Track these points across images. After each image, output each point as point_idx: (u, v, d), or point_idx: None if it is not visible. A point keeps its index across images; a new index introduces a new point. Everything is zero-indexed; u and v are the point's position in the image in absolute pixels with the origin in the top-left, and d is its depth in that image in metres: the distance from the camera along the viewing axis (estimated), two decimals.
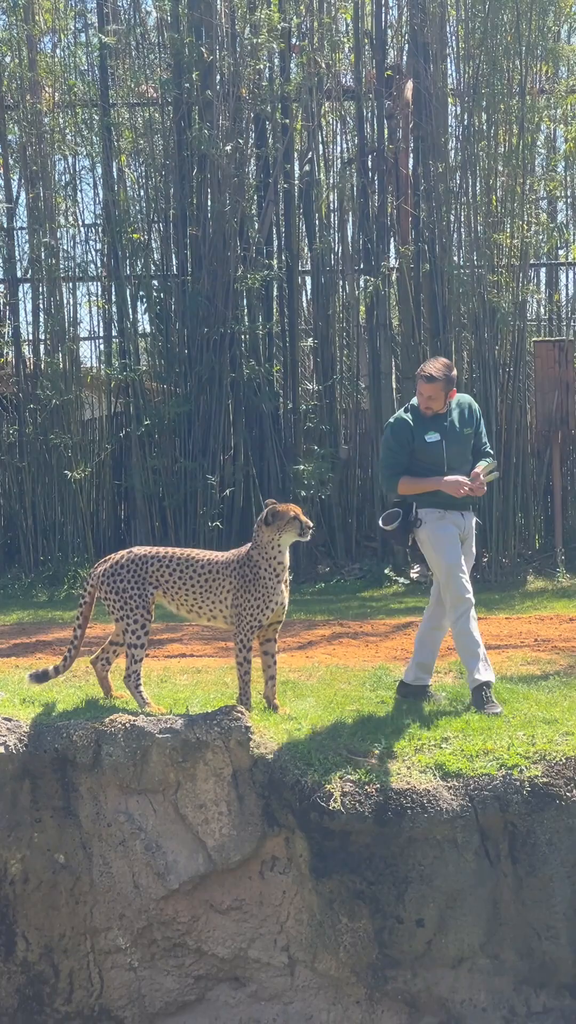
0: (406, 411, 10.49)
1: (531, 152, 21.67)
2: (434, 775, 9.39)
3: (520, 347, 20.90)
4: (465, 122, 21.40)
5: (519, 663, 12.15)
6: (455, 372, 10.60)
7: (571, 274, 24.06)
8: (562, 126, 23.00)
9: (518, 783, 9.31)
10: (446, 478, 10.24)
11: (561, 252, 23.64)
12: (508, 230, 20.97)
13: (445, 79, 21.29)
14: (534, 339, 21.57)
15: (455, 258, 21.26)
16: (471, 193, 21.25)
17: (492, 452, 10.80)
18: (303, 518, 9.97)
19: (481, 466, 10.46)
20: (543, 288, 23.60)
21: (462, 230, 21.51)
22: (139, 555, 10.12)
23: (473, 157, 21.14)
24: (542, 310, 23.70)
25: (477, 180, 21.24)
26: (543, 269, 23.68)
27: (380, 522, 10.52)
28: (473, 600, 10.39)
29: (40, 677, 10.35)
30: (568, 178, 23.58)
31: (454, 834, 9.22)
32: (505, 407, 20.63)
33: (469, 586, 10.36)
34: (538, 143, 22.58)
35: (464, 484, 10.25)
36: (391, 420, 10.59)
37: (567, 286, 24.18)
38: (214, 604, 10.00)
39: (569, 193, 23.80)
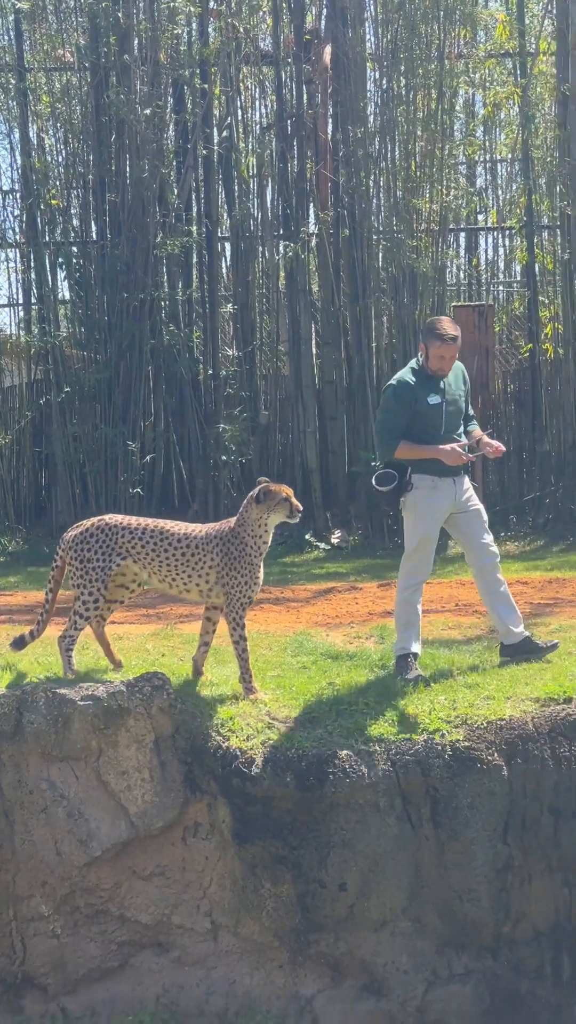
0: (409, 373, 10.39)
1: (450, 117, 21.70)
2: (356, 740, 9.42)
3: (440, 312, 20.90)
4: (384, 87, 21.38)
5: (440, 628, 12.19)
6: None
7: (490, 239, 24.17)
8: (480, 91, 23.03)
9: (440, 747, 9.35)
10: (444, 447, 10.18)
11: (480, 217, 23.73)
12: (427, 195, 20.99)
13: (364, 44, 21.24)
14: (453, 304, 21.62)
15: (374, 223, 21.24)
16: (390, 158, 21.23)
17: (474, 415, 10.80)
18: (294, 500, 9.86)
19: (477, 432, 10.52)
20: (462, 253, 23.65)
21: (381, 195, 21.49)
22: (109, 524, 9.98)
23: (392, 122, 21.12)
24: (462, 275, 23.76)
25: (396, 145, 21.23)
26: (462, 234, 23.76)
27: (374, 482, 10.33)
28: (426, 578, 10.44)
29: (19, 643, 10.21)
30: (487, 143, 23.63)
31: (376, 799, 9.26)
32: None
33: (428, 566, 10.40)
34: (457, 108, 22.61)
35: (462, 455, 10.25)
36: (393, 382, 10.41)
37: (486, 251, 24.29)
38: (190, 577, 9.85)
39: (488, 158, 23.88)
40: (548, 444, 21.11)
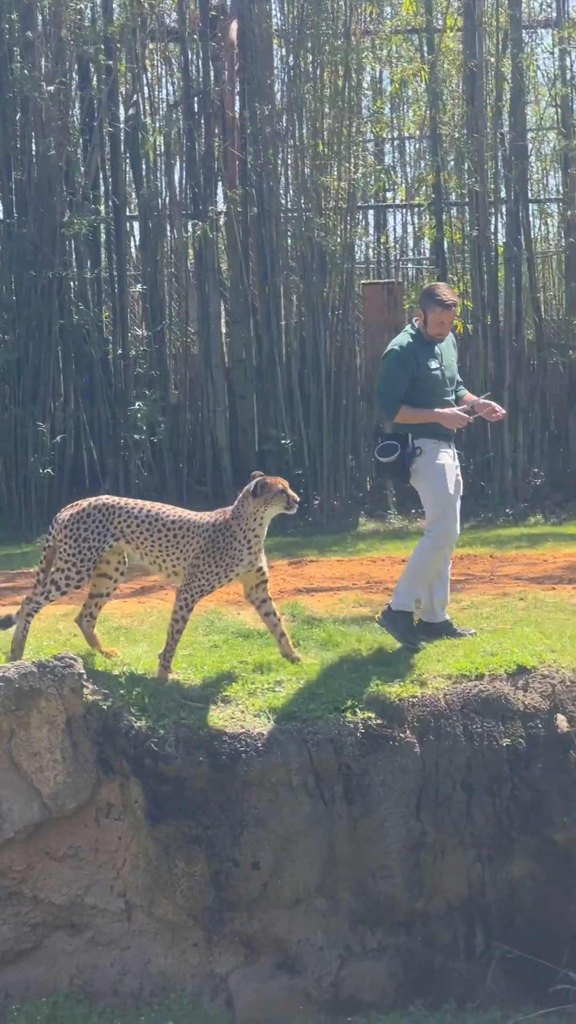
0: (408, 339, 10.40)
1: (357, 94, 21.68)
2: (268, 718, 9.43)
3: (349, 290, 20.92)
4: (291, 64, 21.33)
5: (351, 605, 12.21)
6: None
7: (399, 216, 24.18)
8: (388, 67, 23.02)
9: (351, 725, 9.38)
10: (444, 410, 10.24)
11: (389, 194, 23.71)
12: (335, 173, 20.96)
13: (270, 20, 21.19)
14: (363, 282, 21.63)
15: (283, 201, 21.21)
16: (298, 136, 21.20)
17: (462, 381, 10.85)
18: (290, 492, 9.84)
19: (471, 397, 10.60)
20: (371, 230, 23.67)
21: (289, 173, 21.46)
22: (106, 504, 9.93)
23: (299, 99, 21.08)
24: (371, 252, 23.78)
25: (304, 123, 21.19)
26: (371, 211, 23.75)
27: (376, 454, 10.38)
28: (455, 539, 10.50)
29: (4, 623, 10.09)
30: (395, 120, 23.63)
31: (289, 777, 9.27)
32: (334, 350, 20.67)
33: (457, 527, 10.44)
34: (364, 85, 22.59)
35: (464, 417, 10.28)
36: (395, 348, 10.40)
37: (395, 228, 24.31)
38: (177, 561, 9.84)
39: (396, 135, 23.87)
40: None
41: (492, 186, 21.20)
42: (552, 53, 22.46)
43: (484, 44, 20.98)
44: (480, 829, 9.34)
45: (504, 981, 9.26)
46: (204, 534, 9.75)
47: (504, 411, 10.73)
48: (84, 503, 9.97)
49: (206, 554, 9.71)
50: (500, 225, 21.51)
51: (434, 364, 10.30)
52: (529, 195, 21.94)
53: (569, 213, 20.91)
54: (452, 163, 21.66)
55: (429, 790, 9.36)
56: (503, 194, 21.27)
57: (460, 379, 10.74)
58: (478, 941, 9.35)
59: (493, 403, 10.57)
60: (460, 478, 10.55)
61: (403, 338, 10.43)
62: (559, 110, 21.69)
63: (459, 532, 10.56)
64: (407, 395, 10.26)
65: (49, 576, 9.89)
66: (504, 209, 21.21)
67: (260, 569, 9.95)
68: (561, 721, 9.04)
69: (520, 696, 9.56)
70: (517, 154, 20.86)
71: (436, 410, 10.22)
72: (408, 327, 10.53)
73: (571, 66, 21.81)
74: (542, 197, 23.67)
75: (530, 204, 22.11)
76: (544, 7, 22.72)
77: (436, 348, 10.35)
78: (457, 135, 21.22)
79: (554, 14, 22.04)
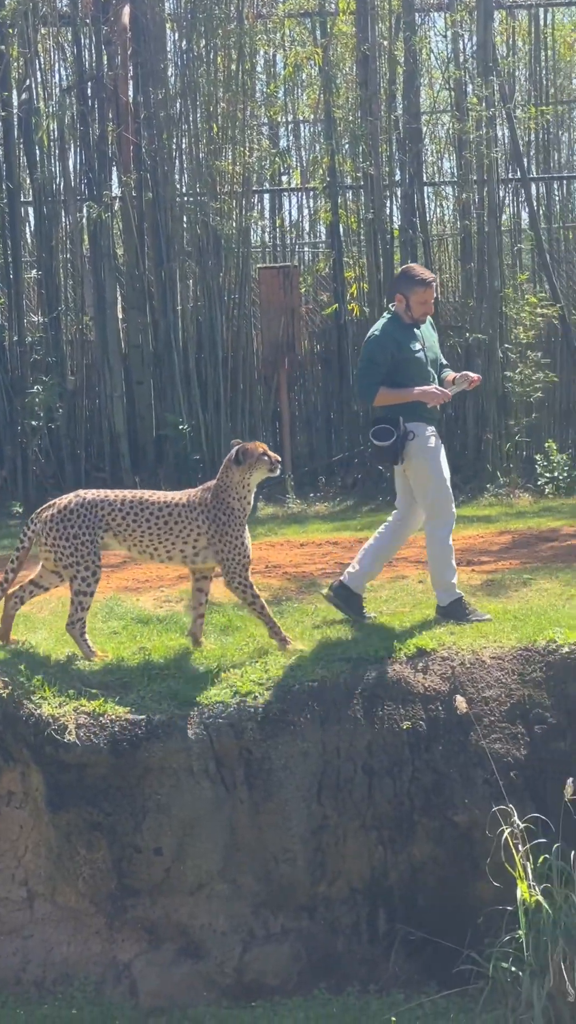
0: (389, 323, 10.43)
1: (251, 78, 21.63)
2: (169, 704, 9.42)
3: (245, 274, 20.89)
4: (184, 48, 21.25)
5: None
6: None
7: (294, 200, 24.16)
8: (281, 51, 22.99)
9: (252, 710, 9.39)
10: (425, 388, 10.24)
11: (284, 178, 23.68)
12: (230, 157, 20.92)
13: (162, 4, 21.08)
14: (259, 266, 21.61)
15: (178, 186, 21.13)
16: (192, 120, 21.12)
17: (447, 363, 10.88)
18: (271, 453, 9.90)
19: (451, 375, 10.60)
20: (267, 214, 23.64)
21: (184, 157, 21.38)
22: (89, 499, 9.88)
23: (193, 83, 20.99)
24: (266, 236, 23.74)
25: (198, 107, 21.11)
26: (266, 195, 23.71)
27: (372, 438, 10.40)
28: (454, 515, 10.54)
29: None
30: (289, 104, 23.61)
31: (190, 763, 9.27)
32: (231, 334, 20.63)
33: (453, 503, 10.48)
34: (258, 69, 22.54)
35: (444, 393, 10.29)
36: (376, 332, 10.44)
37: (290, 212, 24.30)
38: (173, 545, 9.84)
39: (290, 119, 23.84)
40: (356, 404, 21.21)
41: (387, 169, 21.23)
42: (445, 36, 22.51)
43: (377, 27, 20.99)
44: (381, 812, 9.38)
45: (407, 963, 9.31)
46: (201, 516, 9.81)
47: (479, 376, 10.81)
48: (64, 500, 9.94)
49: (220, 535, 9.79)
50: (395, 208, 21.56)
51: (416, 346, 10.35)
52: (424, 178, 22.01)
53: (464, 195, 20.98)
54: (347, 146, 21.68)
55: (330, 774, 9.38)
56: (398, 177, 21.30)
57: (445, 361, 10.79)
58: (380, 924, 9.39)
59: (467, 372, 10.69)
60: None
61: (382, 323, 10.49)
62: (452, 93, 21.75)
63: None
64: (392, 378, 10.30)
65: (72, 589, 9.85)
66: (399, 192, 21.25)
67: None
68: (460, 703, 9.09)
69: (420, 679, 9.60)
70: (411, 137, 20.90)
71: (414, 389, 10.26)
72: (385, 313, 10.57)
73: (464, 49, 21.88)
74: (437, 180, 23.78)
75: (425, 187, 22.16)
76: None
77: (417, 331, 10.40)
78: (351, 118, 21.23)
79: None
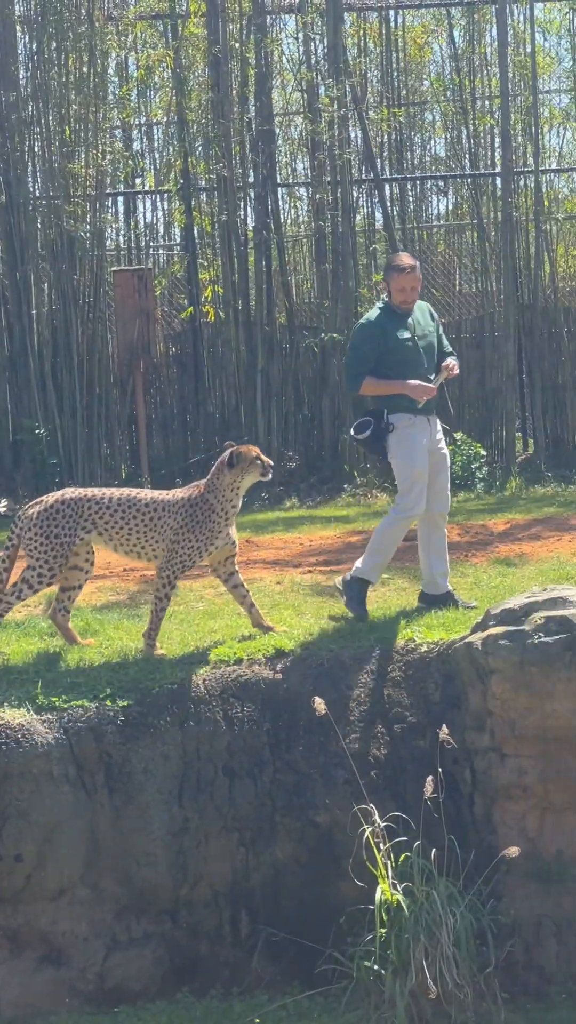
0: (376, 312, 10.44)
1: (103, 80, 21.54)
2: (27, 709, 9.35)
3: (99, 277, 20.79)
4: (34, 50, 21.10)
5: (108, 593, 12.17)
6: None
7: (149, 202, 24.09)
8: (133, 53, 22.93)
9: (112, 713, 9.36)
10: (411, 381, 10.18)
11: (138, 180, 23.62)
12: (83, 159, 20.81)
13: (12, 6, 20.91)
14: (113, 269, 21.52)
15: (31, 189, 20.99)
16: (44, 123, 20.98)
17: (452, 350, 10.83)
18: (264, 458, 9.88)
19: (450, 362, 10.53)
20: (121, 217, 23.55)
21: (37, 160, 21.24)
22: (74, 498, 9.85)
23: (45, 86, 20.86)
24: (121, 239, 23.66)
25: (50, 109, 20.98)
26: (120, 198, 23.62)
27: (352, 431, 10.41)
28: (421, 514, 10.43)
29: None
30: (141, 106, 23.54)
31: (50, 767, 9.21)
32: (86, 338, 20.53)
33: (424, 502, 10.36)
34: (110, 71, 22.47)
35: (429, 388, 10.22)
36: (362, 321, 10.54)
37: (145, 214, 24.21)
38: (158, 544, 9.83)
39: (143, 121, 23.78)
40: (212, 406, 21.22)
41: (240, 171, 21.24)
42: (296, 38, 22.60)
43: (228, 30, 21.00)
44: (243, 813, 9.37)
45: (270, 965, 9.32)
46: (181, 510, 9.76)
47: (454, 363, 10.61)
48: (51, 498, 9.91)
49: (185, 529, 9.73)
50: (249, 210, 21.58)
51: (404, 334, 10.33)
52: (278, 179, 22.05)
53: (318, 197, 21.05)
54: (200, 149, 21.67)
55: (191, 776, 9.37)
56: (251, 179, 21.32)
57: (451, 349, 10.77)
58: (243, 926, 9.39)
59: (448, 361, 10.55)
60: (445, 450, 10.64)
61: (371, 311, 10.59)
62: (305, 95, 21.81)
63: (449, 505, 10.70)
64: (380, 367, 10.31)
65: (20, 575, 9.80)
66: (253, 194, 21.27)
67: (233, 542, 10.04)
68: (319, 704, 9.10)
69: (279, 680, 9.62)
70: (264, 139, 20.93)
71: (400, 382, 10.24)
72: (378, 302, 10.60)
73: (315, 51, 21.94)
74: (291, 181, 23.82)
75: (279, 188, 22.21)
76: None
77: (409, 319, 10.39)
78: (204, 120, 21.23)
79: None
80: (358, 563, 10.55)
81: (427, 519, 10.61)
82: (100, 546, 10.11)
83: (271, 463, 10.10)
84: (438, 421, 10.69)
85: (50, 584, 9.95)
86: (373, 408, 10.51)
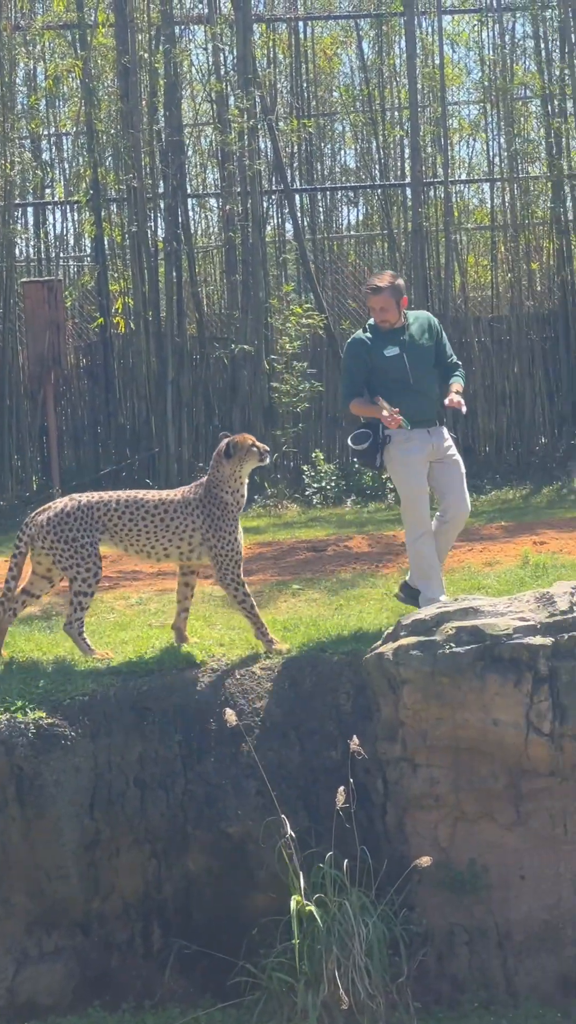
0: (364, 330, 10.44)
1: (11, 90, 21.45)
2: None
3: (9, 288, 20.70)
4: None
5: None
6: (402, 281, 10.52)
7: (58, 213, 23.99)
8: (41, 63, 22.85)
9: (23, 726, 9.30)
10: (384, 412, 10.07)
11: (47, 191, 23.53)
12: None
13: None
14: (23, 280, 21.41)
15: None
16: None
17: (459, 362, 10.73)
18: (259, 444, 9.96)
19: (456, 384, 10.42)
20: (31, 228, 23.44)
21: None
22: (84, 502, 9.87)
23: None
24: (31, 250, 23.55)
25: None
26: (30, 209, 23.51)
27: (349, 442, 10.35)
28: (430, 530, 10.36)
29: None
30: (50, 116, 23.45)
31: None
32: None
33: (425, 519, 10.32)
34: (17, 81, 22.37)
35: (396, 418, 10.04)
36: (349, 340, 10.54)
37: (55, 225, 24.12)
38: (170, 543, 9.86)
39: (52, 131, 23.68)
40: (123, 417, 21.16)
41: (150, 182, 21.21)
42: (206, 48, 22.61)
43: (137, 40, 20.97)
44: (155, 825, 9.35)
45: (182, 977, 9.29)
46: (195, 511, 9.85)
47: (458, 403, 10.37)
48: (60, 504, 9.95)
49: (214, 531, 9.81)
50: (160, 220, 21.55)
51: (391, 350, 10.28)
52: (188, 190, 22.05)
53: (228, 207, 21.06)
54: (109, 159, 21.63)
55: (102, 788, 9.33)
56: (161, 189, 21.30)
57: (457, 361, 10.67)
58: (155, 938, 9.36)
59: (453, 398, 10.35)
60: (457, 457, 10.52)
61: (359, 330, 10.59)
62: (214, 105, 21.82)
63: (468, 509, 10.58)
64: (371, 384, 10.32)
65: (71, 590, 9.90)
66: (163, 204, 21.25)
67: None
68: (229, 716, 9.09)
69: (191, 690, 9.59)
70: (174, 149, 20.91)
71: (380, 408, 10.15)
72: (370, 319, 10.57)
73: (225, 61, 21.97)
74: (201, 192, 23.82)
75: (189, 199, 22.22)
76: (196, 3, 22.85)
77: (402, 334, 10.36)
78: (114, 131, 21.19)
79: (206, 10, 22.15)
80: (423, 595, 10.47)
81: (440, 526, 10.57)
82: (110, 548, 10.16)
83: (268, 448, 10.18)
84: (444, 430, 10.54)
85: (97, 584, 10.01)
86: (368, 420, 10.47)
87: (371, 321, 10.56)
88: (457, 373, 10.61)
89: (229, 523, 9.88)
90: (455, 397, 10.34)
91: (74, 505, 9.93)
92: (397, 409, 10.06)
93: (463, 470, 10.57)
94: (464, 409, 10.43)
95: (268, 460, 10.21)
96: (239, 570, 9.94)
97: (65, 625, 10.03)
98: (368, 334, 10.47)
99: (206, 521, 9.86)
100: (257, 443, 10.04)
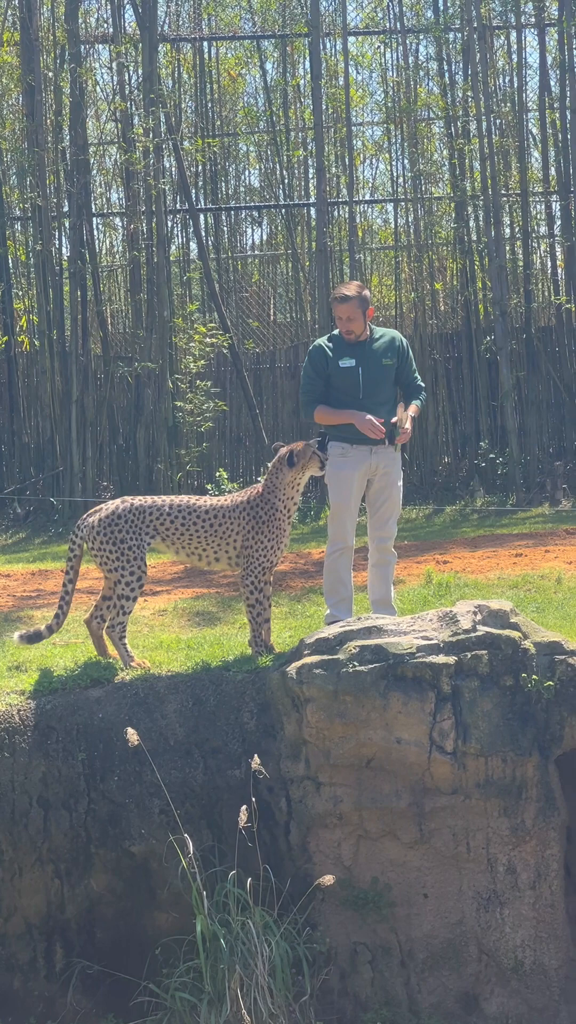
0: (327, 338, 10.40)
1: None
2: None
3: None
4: None
5: None
6: (368, 292, 10.42)
7: None
8: None
9: None
10: (363, 416, 10.08)
11: None
12: None
13: None
14: None
15: None
16: None
17: (423, 385, 10.67)
18: (320, 453, 10.02)
19: (413, 407, 10.38)
20: None
21: None
22: (136, 505, 9.85)
23: None
24: None
25: None
26: None
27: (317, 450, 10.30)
28: (350, 545, 10.41)
29: (32, 638, 9.96)
30: None
31: None
32: None
33: (346, 533, 10.38)
34: None
35: (379, 429, 10.06)
36: (311, 347, 10.49)
37: None
38: (219, 547, 9.90)
39: None
40: (27, 436, 21.10)
41: (55, 200, 21.19)
42: (111, 68, 22.63)
43: (42, 59, 20.95)
44: (58, 845, 9.30)
45: (84, 998, 9.25)
46: (243, 515, 9.87)
47: (408, 429, 10.32)
48: (111, 506, 9.92)
49: (254, 533, 9.84)
50: (64, 239, 21.53)
51: (347, 362, 10.26)
52: (93, 209, 22.04)
53: (132, 226, 21.06)
54: (14, 177, 21.57)
55: (5, 807, 9.27)
56: (66, 208, 21.28)
57: (419, 383, 10.61)
58: (58, 958, 9.31)
59: (406, 428, 10.29)
60: (393, 480, 10.46)
61: (321, 338, 10.56)
62: (119, 124, 21.84)
63: (386, 534, 10.54)
64: (328, 392, 10.34)
65: (116, 593, 9.89)
66: (68, 223, 21.22)
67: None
68: (131, 735, 9.06)
69: (94, 709, 9.56)
70: (79, 168, 20.91)
71: (354, 413, 10.18)
72: (336, 328, 10.53)
73: (129, 81, 21.99)
74: (106, 211, 23.83)
75: (94, 218, 22.21)
76: (101, 22, 22.86)
77: (363, 348, 10.32)
78: (18, 149, 21.14)
79: (111, 29, 22.17)
80: (327, 603, 10.61)
81: (371, 545, 10.64)
82: (161, 551, 10.21)
83: (327, 457, 10.17)
84: (392, 451, 10.43)
85: (142, 588, 9.99)
86: (326, 429, 10.50)
87: (336, 331, 10.56)
88: (419, 397, 10.60)
89: (273, 529, 9.90)
90: (403, 417, 10.31)
91: (126, 507, 9.93)
92: (382, 419, 10.16)
93: (397, 497, 10.58)
94: (406, 438, 10.33)
95: (325, 469, 10.22)
96: (264, 576, 9.96)
97: (107, 629, 10.03)
98: (330, 343, 10.46)
99: (250, 523, 9.90)
100: (319, 452, 10.09)
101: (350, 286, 10.45)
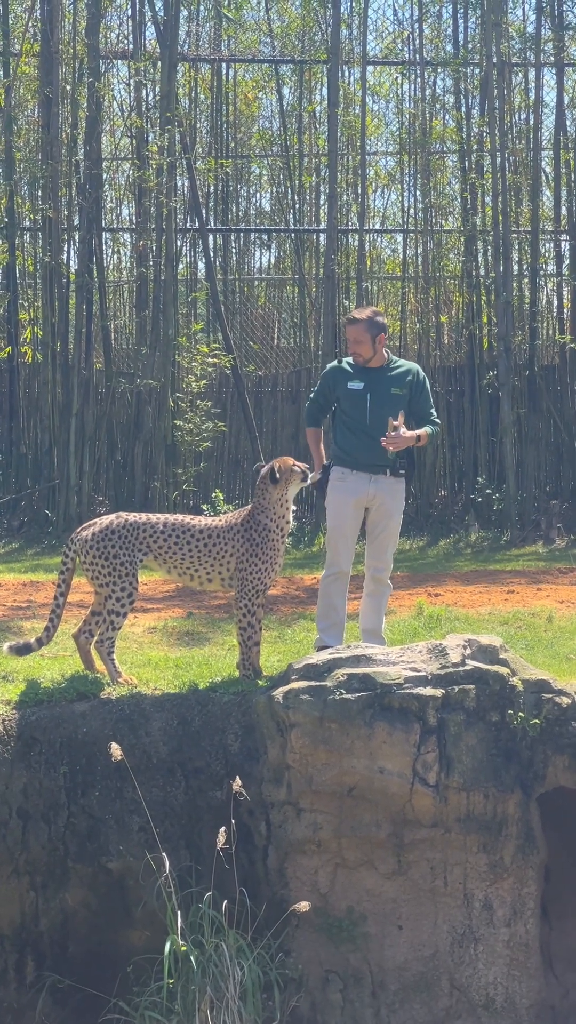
0: (338, 360, 10.48)
1: None
2: None
3: None
4: None
5: None
6: (383, 318, 10.42)
7: None
8: None
9: None
10: (315, 458, 10.36)
11: None
12: None
13: None
14: None
15: None
16: None
17: (438, 421, 10.60)
18: (300, 464, 9.96)
19: (423, 429, 10.33)
20: None
21: None
22: (131, 521, 9.78)
23: None
24: None
25: None
26: None
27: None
28: (345, 571, 10.45)
29: (22, 650, 9.91)
30: None
31: None
32: None
33: (340, 559, 10.41)
34: None
35: (316, 475, 10.21)
36: (328, 365, 10.60)
37: None
38: (212, 567, 9.84)
39: None
40: (25, 447, 21.09)
41: (66, 213, 21.22)
42: (128, 84, 22.67)
43: (61, 71, 21.00)
44: (35, 857, 9.29)
45: (54, 1011, 9.22)
46: (236, 537, 9.83)
47: (389, 440, 10.24)
48: (105, 521, 9.88)
49: (248, 555, 9.79)
50: (73, 252, 21.55)
51: (356, 384, 10.27)
52: (103, 224, 22.08)
53: (141, 243, 21.09)
54: (26, 188, 21.61)
55: None
56: (76, 221, 21.31)
57: (437, 420, 10.55)
58: (29, 971, 9.29)
59: (394, 435, 10.22)
60: (390, 510, 10.45)
61: (343, 359, 10.55)
62: (134, 141, 21.89)
63: (382, 566, 10.56)
64: (338, 413, 10.42)
65: (106, 608, 9.83)
66: (77, 237, 21.25)
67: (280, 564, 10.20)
68: (115, 750, 9.04)
69: (79, 724, 9.54)
70: (91, 182, 20.94)
71: (320, 453, 10.48)
72: None
73: (146, 98, 22.04)
74: (116, 226, 23.86)
75: (103, 233, 22.24)
76: (121, 38, 22.92)
77: (377, 373, 10.30)
78: (32, 160, 21.18)
79: (131, 46, 22.23)
80: (317, 628, 10.67)
81: (367, 574, 10.66)
82: (153, 569, 10.18)
83: (309, 467, 10.18)
84: (395, 482, 10.42)
85: (132, 605, 9.95)
86: (328, 461, 10.57)
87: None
88: (430, 427, 10.47)
89: (267, 551, 9.87)
90: (401, 429, 10.18)
91: (120, 523, 9.89)
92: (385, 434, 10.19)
93: (394, 528, 10.58)
94: (396, 441, 10.19)
95: (310, 479, 10.17)
96: (258, 599, 9.92)
97: (96, 643, 9.99)
98: (348, 365, 10.46)
99: (244, 545, 9.87)
100: (298, 463, 10.06)
101: (364, 310, 10.51)
